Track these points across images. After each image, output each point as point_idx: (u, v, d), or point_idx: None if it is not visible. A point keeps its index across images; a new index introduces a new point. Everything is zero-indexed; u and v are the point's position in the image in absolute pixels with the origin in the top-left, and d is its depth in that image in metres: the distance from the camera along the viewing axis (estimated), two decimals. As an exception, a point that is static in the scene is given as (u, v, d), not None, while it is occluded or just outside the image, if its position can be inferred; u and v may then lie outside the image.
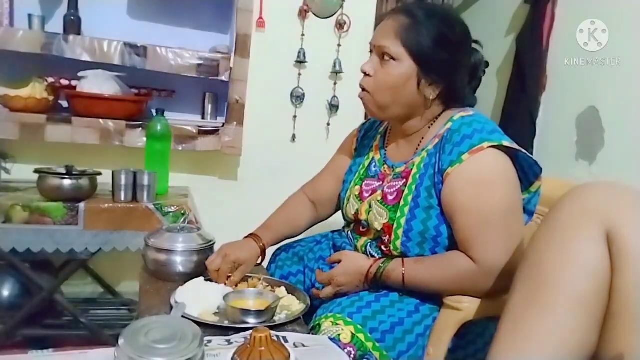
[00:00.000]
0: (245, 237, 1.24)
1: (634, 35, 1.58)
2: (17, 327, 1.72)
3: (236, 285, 1.13)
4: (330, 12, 2.22)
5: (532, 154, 1.95)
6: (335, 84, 2.28)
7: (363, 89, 1.10)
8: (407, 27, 1.03)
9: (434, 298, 1.04)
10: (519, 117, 2.04)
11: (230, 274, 1.13)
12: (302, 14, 2.18)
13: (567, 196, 0.77)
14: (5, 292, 1.78)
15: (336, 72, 2.25)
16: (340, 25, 2.22)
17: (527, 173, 1.05)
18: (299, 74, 2.23)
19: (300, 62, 2.20)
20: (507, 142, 0.99)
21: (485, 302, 0.98)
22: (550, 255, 0.75)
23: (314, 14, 2.20)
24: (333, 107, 2.28)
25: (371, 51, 1.10)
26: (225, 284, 1.11)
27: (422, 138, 1.11)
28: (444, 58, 1.03)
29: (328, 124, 2.30)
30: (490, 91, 2.35)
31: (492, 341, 0.77)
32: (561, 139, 1.88)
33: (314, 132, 2.28)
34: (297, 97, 2.24)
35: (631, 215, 0.70)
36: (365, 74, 1.08)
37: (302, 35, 2.19)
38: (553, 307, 0.72)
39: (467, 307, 0.97)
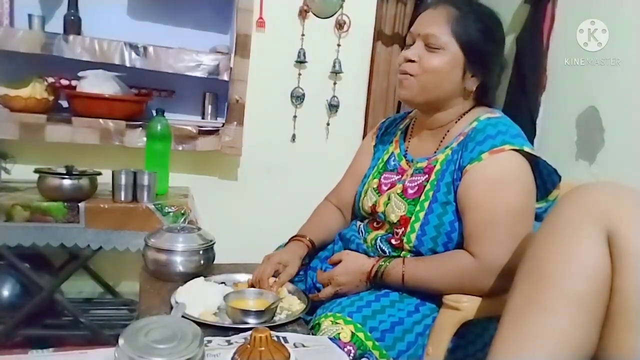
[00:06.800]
0: (288, 242, 1.23)
1: (634, 35, 1.58)
2: (17, 327, 1.72)
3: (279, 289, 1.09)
4: (330, 12, 2.22)
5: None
6: (335, 84, 2.28)
7: (405, 73, 1.09)
8: (456, 17, 1.06)
9: (434, 298, 1.04)
10: (519, 117, 2.01)
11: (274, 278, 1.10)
12: (302, 14, 2.18)
13: (567, 196, 0.78)
14: (5, 292, 1.78)
15: (336, 72, 2.25)
16: (340, 25, 2.22)
17: (546, 181, 1.06)
18: (299, 74, 2.23)
19: (300, 62, 2.21)
20: (529, 148, 1.01)
21: (485, 302, 0.98)
22: (550, 255, 0.75)
23: (314, 14, 2.20)
24: (333, 107, 2.28)
25: (408, 44, 1.11)
26: (269, 287, 1.07)
27: (447, 132, 1.12)
28: (489, 51, 1.07)
29: (328, 124, 2.30)
30: (490, 91, 2.34)
31: (492, 341, 0.77)
32: (561, 139, 1.87)
33: (314, 132, 2.28)
34: (297, 97, 2.25)
35: (631, 215, 0.70)
36: (409, 60, 1.08)
37: (302, 35, 2.19)
38: (553, 307, 0.72)
39: (467, 307, 0.97)
